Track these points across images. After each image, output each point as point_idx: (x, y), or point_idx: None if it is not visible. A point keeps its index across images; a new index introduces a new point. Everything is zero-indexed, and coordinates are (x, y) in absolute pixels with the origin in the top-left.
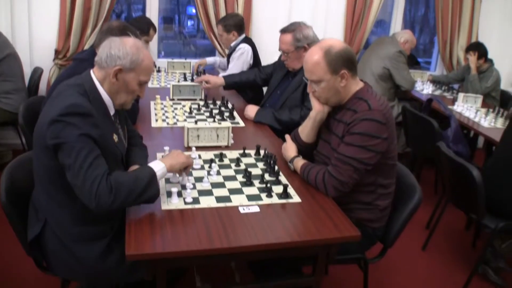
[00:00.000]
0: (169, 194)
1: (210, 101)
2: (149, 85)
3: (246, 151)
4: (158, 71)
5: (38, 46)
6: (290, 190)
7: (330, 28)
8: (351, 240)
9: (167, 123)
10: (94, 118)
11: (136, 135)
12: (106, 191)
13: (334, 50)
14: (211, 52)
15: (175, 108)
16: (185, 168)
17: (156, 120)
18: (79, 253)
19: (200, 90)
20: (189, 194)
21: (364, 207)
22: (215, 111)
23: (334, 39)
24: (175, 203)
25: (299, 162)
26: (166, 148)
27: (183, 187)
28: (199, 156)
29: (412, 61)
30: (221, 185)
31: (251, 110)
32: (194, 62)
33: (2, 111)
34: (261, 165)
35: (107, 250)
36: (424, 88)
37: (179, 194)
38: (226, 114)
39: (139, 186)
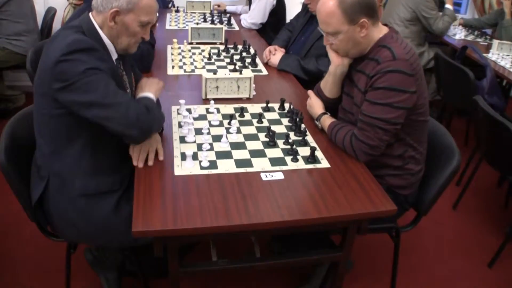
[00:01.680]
0: (183, 156)
1: (231, 46)
2: (166, 26)
3: (270, 105)
4: (177, 11)
5: None
6: (318, 153)
7: None
8: (386, 215)
9: (184, 71)
10: (99, 52)
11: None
12: (144, 111)
13: None
14: None
15: (193, 54)
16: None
17: (173, 67)
18: (87, 210)
19: (221, 32)
20: (206, 157)
21: (395, 173)
22: (236, 57)
23: None
24: (190, 168)
25: (327, 121)
26: (182, 101)
27: (199, 147)
28: (218, 110)
29: (441, 3)
30: (241, 146)
31: (276, 57)
32: (215, 1)
33: (13, 54)
34: (285, 121)
35: (117, 207)
36: (456, 33)
37: (195, 157)
38: (248, 60)
39: (155, 106)
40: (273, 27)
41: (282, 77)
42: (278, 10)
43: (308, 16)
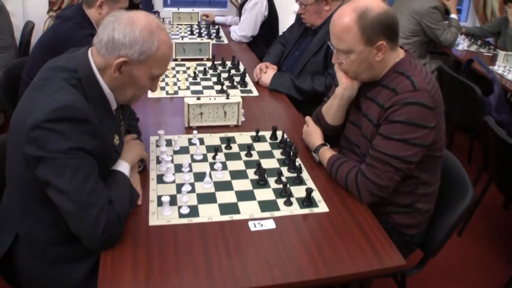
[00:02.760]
0: (160, 202)
1: (218, 62)
2: None
3: (260, 134)
4: (161, 22)
5: None
6: (315, 193)
7: None
8: (394, 271)
9: (167, 92)
10: (91, 125)
11: (132, 118)
12: (115, 222)
13: (371, 14)
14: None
15: (177, 72)
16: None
17: None
18: (59, 276)
19: (208, 47)
20: (186, 203)
21: (403, 210)
22: (224, 75)
23: None
24: (167, 215)
25: (326, 153)
26: (161, 132)
27: (179, 188)
28: (202, 141)
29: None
30: (227, 186)
31: (267, 75)
32: (203, 11)
33: None
34: (278, 154)
35: (92, 273)
36: (459, 43)
37: (173, 201)
38: (237, 79)
39: (128, 197)
40: (265, 39)
41: (274, 98)
42: (270, 21)
43: (302, 28)
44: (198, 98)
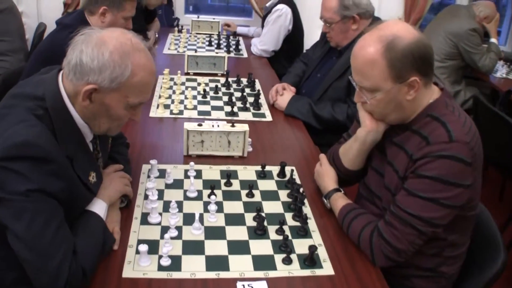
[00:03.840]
0: (138, 250)
1: (233, 78)
2: (164, 50)
3: (267, 168)
4: (180, 31)
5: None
6: (321, 249)
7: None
8: None
9: (171, 112)
10: (55, 164)
11: (120, 143)
12: (79, 276)
13: (401, 44)
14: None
15: (187, 88)
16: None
17: (157, 107)
18: None
19: (223, 62)
20: (167, 253)
21: (424, 275)
22: (237, 94)
23: (401, 22)
24: (144, 266)
25: (339, 201)
26: (153, 162)
27: (163, 232)
28: (199, 174)
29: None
30: (219, 234)
31: (283, 98)
32: (225, 20)
33: None
34: (283, 195)
35: None
36: (498, 70)
37: (154, 249)
38: (251, 99)
39: (99, 244)
40: (287, 55)
41: (288, 125)
42: (295, 35)
43: (327, 47)
44: (200, 124)
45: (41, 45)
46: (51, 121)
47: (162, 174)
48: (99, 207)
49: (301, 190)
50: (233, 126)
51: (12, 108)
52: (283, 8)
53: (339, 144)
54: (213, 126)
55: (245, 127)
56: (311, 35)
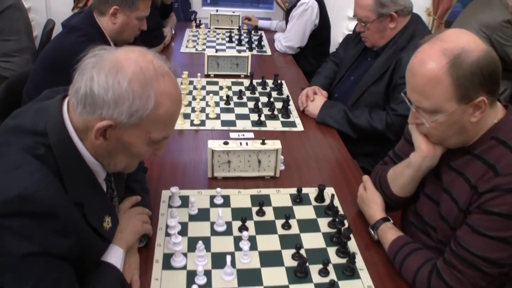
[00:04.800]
0: None
1: (258, 80)
2: (182, 49)
3: (303, 192)
4: (198, 25)
5: None
6: None
7: None
8: None
9: (192, 123)
10: (61, 219)
11: (137, 169)
12: None
13: (470, 59)
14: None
15: (208, 93)
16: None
17: None
18: None
19: (246, 62)
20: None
21: None
22: (263, 99)
23: (466, 32)
24: None
25: (389, 233)
26: (174, 189)
27: (190, 279)
28: (227, 201)
29: None
30: (254, 277)
31: (315, 104)
32: (245, 13)
33: (2, 78)
34: (324, 224)
35: None
36: None
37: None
38: (278, 105)
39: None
40: (314, 51)
41: (322, 134)
42: (322, 30)
43: (360, 47)
44: (226, 143)
45: (46, 50)
46: (56, 162)
47: (185, 202)
48: (115, 256)
49: (345, 222)
50: (263, 143)
51: (6, 147)
52: (309, 2)
53: (385, 165)
54: (240, 144)
55: (277, 144)
56: (338, 27)
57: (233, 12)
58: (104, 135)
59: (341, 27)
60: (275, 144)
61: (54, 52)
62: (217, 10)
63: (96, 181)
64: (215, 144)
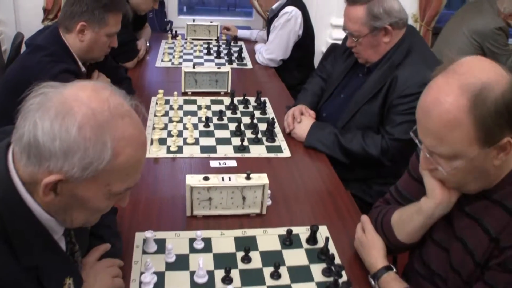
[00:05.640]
0: None
1: (239, 98)
2: (157, 63)
3: (293, 233)
4: (174, 37)
5: (23, 5)
6: None
7: None
8: None
9: (168, 150)
10: None
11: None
12: None
13: (494, 95)
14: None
15: (185, 113)
16: None
17: (151, 143)
18: None
19: (226, 79)
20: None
21: None
22: (245, 120)
23: (485, 60)
24: None
25: (392, 285)
26: (149, 234)
27: None
28: (207, 246)
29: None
30: None
31: (302, 126)
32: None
33: None
34: (317, 272)
35: None
36: None
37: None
38: (262, 127)
39: None
40: (298, 63)
41: (310, 159)
42: (305, 41)
43: (350, 62)
44: (206, 178)
45: (9, 72)
46: (2, 220)
47: (161, 247)
48: None
49: (343, 273)
50: (248, 178)
51: None
52: (292, 11)
53: (386, 205)
54: (223, 179)
55: (264, 178)
56: (321, 37)
57: (211, 22)
58: (54, 190)
59: (325, 36)
60: (262, 179)
61: (16, 73)
62: (193, 20)
63: (52, 240)
64: (194, 180)
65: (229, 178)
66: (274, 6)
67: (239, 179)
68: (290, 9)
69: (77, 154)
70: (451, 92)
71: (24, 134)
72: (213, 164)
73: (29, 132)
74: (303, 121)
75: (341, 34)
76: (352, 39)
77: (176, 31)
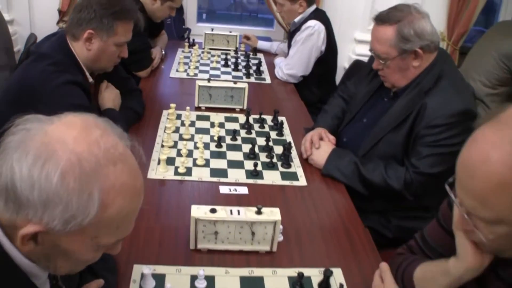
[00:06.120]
0: None
1: (256, 116)
2: (171, 73)
3: (305, 273)
4: (191, 45)
5: (39, 6)
6: None
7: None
8: None
9: (176, 171)
10: None
11: None
12: None
13: None
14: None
15: (198, 130)
16: None
17: (158, 163)
18: None
19: (242, 95)
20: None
21: None
22: (260, 142)
23: None
24: None
25: None
26: (147, 271)
27: None
28: (210, 284)
29: None
30: None
31: (321, 152)
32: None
33: None
34: None
35: None
36: None
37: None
38: (278, 149)
39: None
40: (318, 80)
41: (327, 189)
42: (327, 57)
43: (375, 84)
44: (213, 210)
45: (12, 80)
46: None
47: (160, 283)
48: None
49: None
50: (259, 213)
51: None
52: (315, 25)
53: (409, 254)
54: (231, 212)
55: (276, 214)
56: (344, 52)
57: (230, 32)
58: (35, 240)
59: (348, 51)
60: (274, 214)
61: (18, 83)
62: (212, 29)
63: (33, 286)
64: (199, 212)
65: (238, 212)
66: (296, 19)
67: (249, 213)
68: (313, 23)
69: (58, 206)
70: (501, 148)
71: (1, 175)
72: (223, 190)
73: (6, 175)
74: (321, 147)
75: (365, 50)
76: (379, 61)
77: (193, 40)
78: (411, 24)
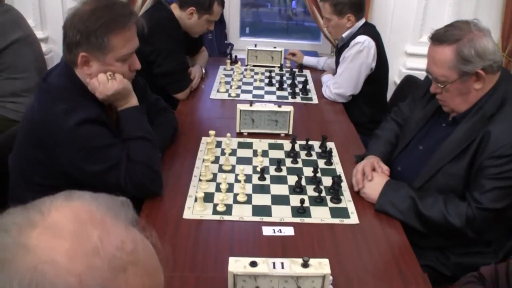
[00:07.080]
0: None
1: (302, 142)
2: (211, 95)
3: None
4: (233, 62)
5: None
6: None
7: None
8: None
9: (214, 210)
10: None
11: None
12: None
13: None
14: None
15: (239, 161)
16: None
17: (195, 200)
18: None
19: (287, 119)
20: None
21: None
22: (307, 172)
23: None
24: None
25: None
26: None
27: None
28: None
29: None
30: None
31: (373, 185)
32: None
33: (7, 121)
34: None
35: None
36: None
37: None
38: (326, 181)
39: None
40: (368, 98)
41: (381, 226)
42: (378, 74)
43: (431, 108)
44: (253, 264)
45: (29, 115)
46: None
47: None
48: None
49: None
50: (306, 265)
51: None
52: (365, 41)
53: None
54: (274, 266)
55: (325, 266)
56: (394, 66)
57: (274, 48)
58: None
59: (398, 64)
60: (322, 267)
61: (34, 121)
62: (255, 45)
63: None
64: (238, 266)
65: (282, 265)
66: (344, 35)
67: (294, 267)
68: (362, 38)
69: None
70: None
71: None
72: (266, 231)
73: None
74: (374, 178)
75: (416, 64)
76: (437, 85)
77: (236, 56)
78: (471, 43)
